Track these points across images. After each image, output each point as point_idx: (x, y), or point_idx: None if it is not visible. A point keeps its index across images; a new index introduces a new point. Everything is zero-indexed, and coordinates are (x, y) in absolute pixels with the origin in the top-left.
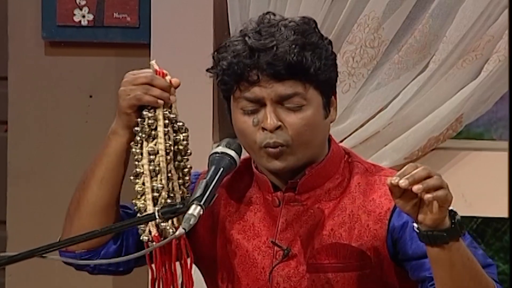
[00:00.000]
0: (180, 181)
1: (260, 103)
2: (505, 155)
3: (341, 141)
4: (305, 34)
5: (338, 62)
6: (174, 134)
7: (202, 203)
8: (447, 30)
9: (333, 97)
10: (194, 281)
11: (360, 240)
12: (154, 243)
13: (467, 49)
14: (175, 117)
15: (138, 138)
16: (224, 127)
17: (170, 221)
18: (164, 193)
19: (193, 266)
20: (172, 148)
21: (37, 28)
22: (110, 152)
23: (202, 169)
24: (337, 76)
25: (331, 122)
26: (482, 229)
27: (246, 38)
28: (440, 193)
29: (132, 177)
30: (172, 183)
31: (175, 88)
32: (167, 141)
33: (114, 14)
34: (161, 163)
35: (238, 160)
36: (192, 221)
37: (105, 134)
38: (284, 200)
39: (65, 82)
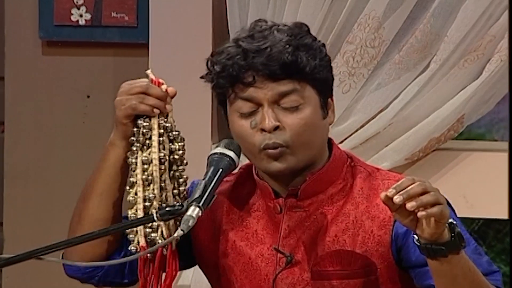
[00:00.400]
0: (175, 191)
1: (256, 104)
2: (507, 156)
3: (341, 142)
4: (298, 36)
5: (338, 62)
6: (170, 144)
7: (201, 204)
8: (448, 29)
9: (330, 99)
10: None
11: (364, 246)
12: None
13: (469, 49)
14: (171, 126)
15: (134, 148)
16: (223, 128)
17: (159, 231)
18: (155, 203)
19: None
20: (167, 157)
21: (34, 27)
22: (109, 164)
23: (201, 170)
24: (333, 78)
25: (330, 124)
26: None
27: (240, 42)
28: (435, 210)
29: (127, 187)
30: (166, 193)
31: (171, 97)
32: (162, 151)
33: (112, 13)
34: (154, 173)
35: (237, 161)
36: (190, 223)
37: (103, 135)
38: (286, 206)
39: (62, 82)
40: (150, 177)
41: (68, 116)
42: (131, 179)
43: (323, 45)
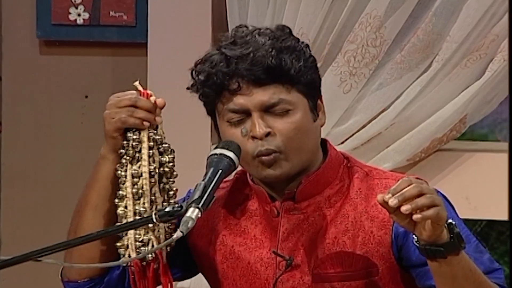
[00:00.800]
0: (165, 203)
1: (245, 113)
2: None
3: (342, 143)
4: (280, 39)
5: (339, 61)
6: (160, 156)
7: (200, 205)
8: (450, 29)
9: (319, 100)
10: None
11: (365, 247)
12: (133, 267)
13: (471, 48)
14: (161, 138)
15: (124, 161)
16: None
17: (150, 246)
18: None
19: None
20: (157, 170)
21: (31, 27)
22: (101, 177)
23: (201, 171)
24: (320, 79)
25: (321, 126)
26: (486, 232)
27: (222, 49)
28: (430, 212)
29: (116, 200)
30: (156, 206)
31: (161, 108)
32: (152, 164)
33: (111, 12)
34: (144, 186)
35: (237, 162)
36: (190, 224)
37: (101, 135)
38: (283, 209)
39: (60, 82)
40: (140, 191)
41: (66, 116)
42: (121, 192)
43: (307, 46)
